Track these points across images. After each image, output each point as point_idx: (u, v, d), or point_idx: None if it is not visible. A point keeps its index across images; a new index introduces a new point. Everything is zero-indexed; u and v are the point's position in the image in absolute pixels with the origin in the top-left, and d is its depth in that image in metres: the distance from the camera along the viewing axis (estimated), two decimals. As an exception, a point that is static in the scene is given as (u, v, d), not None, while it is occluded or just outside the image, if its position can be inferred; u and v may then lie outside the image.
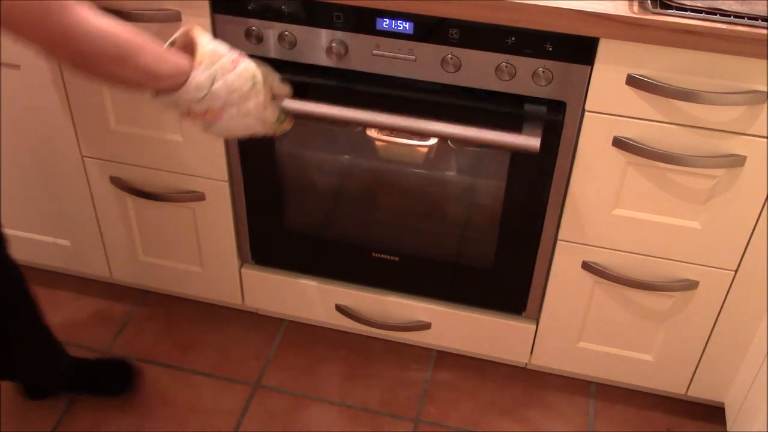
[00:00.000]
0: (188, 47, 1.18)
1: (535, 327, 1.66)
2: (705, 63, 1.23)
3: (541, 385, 1.77)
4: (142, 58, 1.08)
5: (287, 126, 1.34)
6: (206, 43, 1.17)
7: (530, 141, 1.31)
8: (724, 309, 1.50)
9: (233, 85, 1.19)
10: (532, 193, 1.47)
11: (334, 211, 1.70)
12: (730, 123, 1.28)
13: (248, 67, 1.22)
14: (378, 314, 1.74)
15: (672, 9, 1.20)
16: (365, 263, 1.68)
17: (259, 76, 1.24)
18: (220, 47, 1.19)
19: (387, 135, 1.59)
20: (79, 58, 1.03)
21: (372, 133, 1.59)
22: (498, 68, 1.32)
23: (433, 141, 1.57)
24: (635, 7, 1.22)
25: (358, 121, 1.41)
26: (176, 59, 1.14)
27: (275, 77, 1.30)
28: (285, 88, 1.33)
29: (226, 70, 1.18)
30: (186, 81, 1.14)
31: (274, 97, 1.30)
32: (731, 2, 1.21)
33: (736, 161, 1.31)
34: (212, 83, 1.17)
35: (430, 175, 1.63)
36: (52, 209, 1.80)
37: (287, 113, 1.33)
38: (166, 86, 1.14)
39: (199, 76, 1.14)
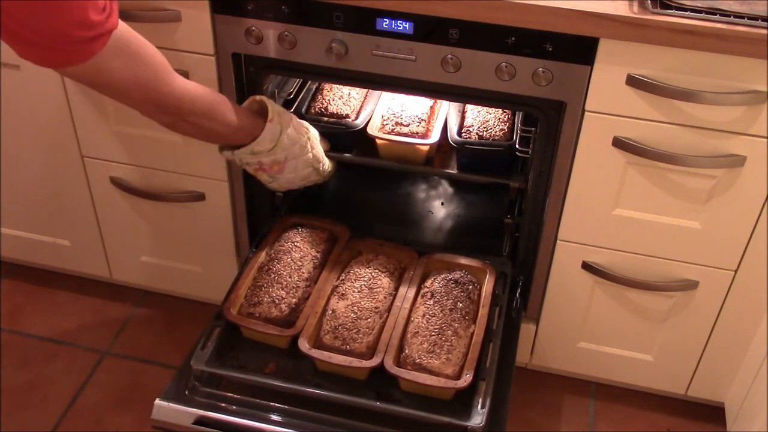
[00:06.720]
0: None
1: (535, 327, 1.66)
2: (705, 63, 1.23)
3: (541, 385, 1.77)
4: (228, 113, 1.30)
5: (333, 172, 1.55)
6: (273, 103, 1.39)
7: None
8: (724, 309, 1.50)
9: (293, 136, 1.39)
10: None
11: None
12: (730, 123, 1.28)
13: (301, 121, 1.44)
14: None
15: (672, 9, 1.20)
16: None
17: (312, 131, 1.46)
18: (282, 108, 1.41)
19: (388, 134, 1.59)
20: (180, 114, 1.24)
21: (373, 131, 1.59)
22: (498, 68, 1.32)
23: (434, 140, 1.57)
24: (635, 7, 1.22)
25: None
26: (250, 114, 1.37)
27: (317, 133, 1.49)
28: (325, 142, 1.53)
29: (287, 124, 1.39)
30: (257, 135, 1.34)
31: None
32: (731, 2, 1.21)
33: (736, 161, 1.31)
34: (280, 135, 1.37)
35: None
36: (52, 209, 1.80)
37: (332, 161, 1.55)
38: (240, 137, 1.35)
39: (273, 128, 1.36)
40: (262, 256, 1.52)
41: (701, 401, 1.70)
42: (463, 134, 1.57)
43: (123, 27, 1.10)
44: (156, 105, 1.21)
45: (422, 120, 1.60)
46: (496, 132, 1.57)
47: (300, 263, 1.48)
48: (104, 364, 1.79)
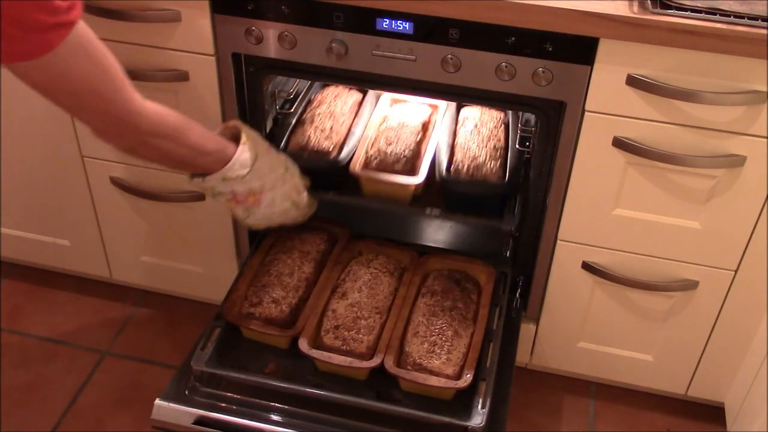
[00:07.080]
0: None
1: (535, 327, 1.66)
2: (705, 63, 1.23)
3: (541, 385, 1.77)
4: (192, 135, 1.24)
5: (313, 209, 1.50)
6: (248, 128, 1.34)
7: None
8: (724, 309, 1.50)
9: (270, 165, 1.34)
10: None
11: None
12: (730, 123, 1.28)
13: (280, 153, 1.39)
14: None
15: (672, 9, 1.20)
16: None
17: (291, 163, 1.40)
18: (258, 135, 1.37)
19: (372, 171, 1.52)
20: (139, 134, 1.16)
21: (357, 168, 1.53)
22: (498, 68, 1.32)
23: (421, 178, 1.50)
24: (635, 7, 1.22)
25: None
26: (220, 138, 1.30)
27: (296, 167, 1.44)
28: (305, 179, 1.47)
29: (264, 151, 1.33)
30: (229, 161, 1.28)
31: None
32: (731, 2, 1.21)
33: (736, 161, 1.31)
34: (255, 161, 1.30)
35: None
36: (52, 209, 1.80)
37: (314, 198, 1.50)
38: (210, 163, 1.28)
39: (245, 152, 1.29)
40: (262, 256, 1.52)
41: (701, 401, 1.70)
42: (452, 171, 1.50)
43: (86, 28, 1.04)
44: (113, 120, 1.13)
45: (408, 158, 1.52)
46: (487, 169, 1.49)
47: (300, 263, 1.48)
48: (104, 364, 1.79)
